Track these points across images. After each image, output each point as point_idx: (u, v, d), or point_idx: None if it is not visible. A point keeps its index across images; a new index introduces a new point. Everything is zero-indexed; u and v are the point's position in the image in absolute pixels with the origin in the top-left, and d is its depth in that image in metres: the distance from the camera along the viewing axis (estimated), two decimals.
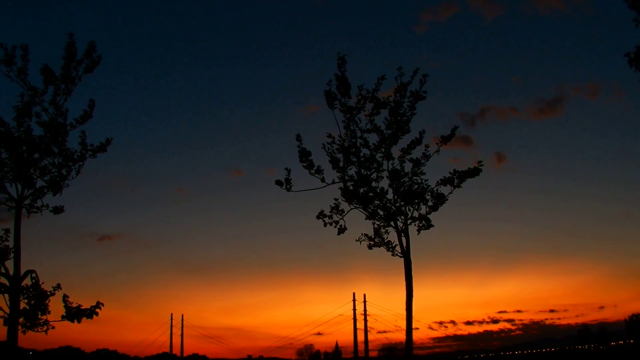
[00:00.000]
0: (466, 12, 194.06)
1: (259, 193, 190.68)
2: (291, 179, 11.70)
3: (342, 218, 11.92)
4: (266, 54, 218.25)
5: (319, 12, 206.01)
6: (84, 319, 12.01)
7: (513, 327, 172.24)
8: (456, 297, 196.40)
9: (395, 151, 11.76)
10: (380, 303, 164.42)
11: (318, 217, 11.94)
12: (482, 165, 11.44)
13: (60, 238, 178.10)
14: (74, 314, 11.98)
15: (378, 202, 11.72)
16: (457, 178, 11.59)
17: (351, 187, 11.69)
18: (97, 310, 12.07)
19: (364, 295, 67.94)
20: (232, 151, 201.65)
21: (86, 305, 12.09)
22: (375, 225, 11.90)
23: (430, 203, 11.66)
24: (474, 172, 11.57)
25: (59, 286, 12.24)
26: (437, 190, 11.65)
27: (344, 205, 11.90)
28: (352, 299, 67.79)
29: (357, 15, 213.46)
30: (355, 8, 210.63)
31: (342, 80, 11.48)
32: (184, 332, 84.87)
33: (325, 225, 11.92)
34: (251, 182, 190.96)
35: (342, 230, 11.89)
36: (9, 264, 11.58)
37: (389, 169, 11.75)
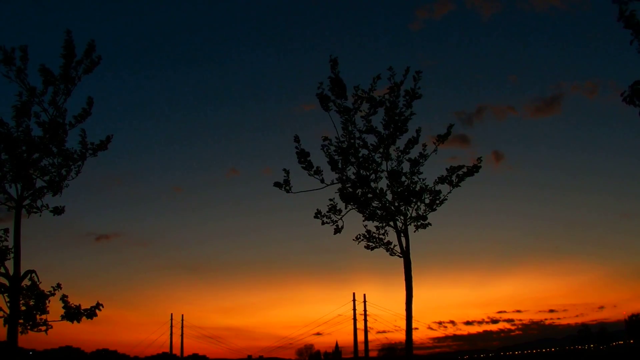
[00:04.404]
0: (462, 10, 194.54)
1: (256, 192, 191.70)
2: (290, 180, 11.45)
3: (340, 218, 11.78)
4: (261, 53, 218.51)
5: (313, 10, 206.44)
6: (83, 318, 12.03)
7: (513, 327, 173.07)
8: (456, 297, 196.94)
9: (394, 151, 11.63)
10: (380, 303, 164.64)
11: (315, 217, 11.78)
12: (481, 162, 11.38)
13: (57, 238, 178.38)
14: (74, 314, 12.00)
15: (377, 203, 11.64)
16: (456, 177, 11.56)
17: (349, 189, 11.55)
18: (97, 310, 12.09)
19: (364, 295, 67.82)
20: (228, 150, 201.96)
21: (85, 305, 12.16)
22: (374, 226, 11.78)
23: (426, 201, 11.59)
24: (472, 170, 11.54)
25: (59, 286, 12.23)
26: (434, 188, 11.60)
27: (342, 205, 11.75)
28: (352, 299, 67.66)
29: (352, 13, 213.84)
30: (350, 6, 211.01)
31: (337, 81, 11.25)
32: (184, 332, 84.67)
33: (322, 224, 11.77)
34: (247, 181, 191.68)
35: (338, 230, 11.70)
36: (9, 264, 11.60)
37: (388, 170, 11.67)
